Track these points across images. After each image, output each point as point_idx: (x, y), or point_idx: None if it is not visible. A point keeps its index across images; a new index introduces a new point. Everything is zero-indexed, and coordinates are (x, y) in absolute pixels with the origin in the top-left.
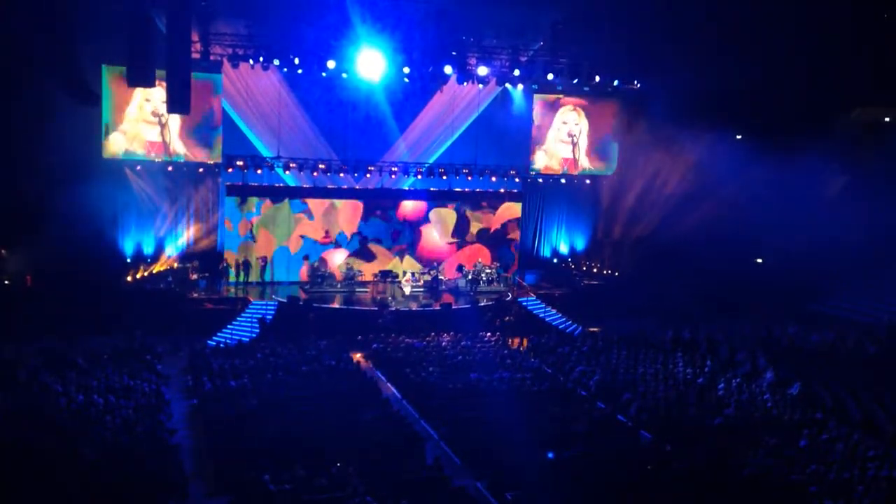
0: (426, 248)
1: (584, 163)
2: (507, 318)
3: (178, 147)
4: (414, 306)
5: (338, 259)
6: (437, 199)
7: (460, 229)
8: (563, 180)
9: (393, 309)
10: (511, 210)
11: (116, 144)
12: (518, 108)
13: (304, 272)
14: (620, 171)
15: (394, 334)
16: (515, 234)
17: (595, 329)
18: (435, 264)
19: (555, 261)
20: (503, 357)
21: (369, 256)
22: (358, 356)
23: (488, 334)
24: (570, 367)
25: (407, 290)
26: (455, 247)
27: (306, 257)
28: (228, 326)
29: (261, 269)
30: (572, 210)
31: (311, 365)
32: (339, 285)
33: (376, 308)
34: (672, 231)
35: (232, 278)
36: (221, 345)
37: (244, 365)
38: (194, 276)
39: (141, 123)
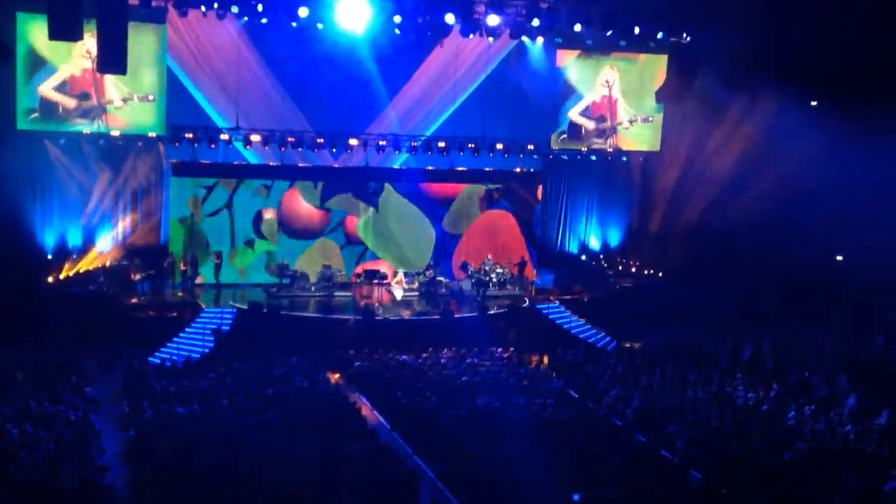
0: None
1: (621, 135)
2: (522, 328)
3: (113, 94)
4: (407, 314)
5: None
6: (435, 179)
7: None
8: (593, 157)
9: (381, 318)
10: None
11: (33, 98)
12: (537, 67)
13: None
14: (665, 147)
15: (353, 350)
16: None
17: (633, 343)
18: (433, 265)
19: (583, 258)
20: (518, 378)
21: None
22: (337, 377)
23: (499, 349)
24: (601, 389)
25: (398, 295)
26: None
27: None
28: (175, 339)
29: (215, 266)
30: (605, 194)
31: (277, 387)
32: (312, 288)
33: (360, 317)
34: (729, 221)
35: (178, 279)
36: (166, 362)
37: (194, 387)
38: (137, 277)
39: (76, 59)
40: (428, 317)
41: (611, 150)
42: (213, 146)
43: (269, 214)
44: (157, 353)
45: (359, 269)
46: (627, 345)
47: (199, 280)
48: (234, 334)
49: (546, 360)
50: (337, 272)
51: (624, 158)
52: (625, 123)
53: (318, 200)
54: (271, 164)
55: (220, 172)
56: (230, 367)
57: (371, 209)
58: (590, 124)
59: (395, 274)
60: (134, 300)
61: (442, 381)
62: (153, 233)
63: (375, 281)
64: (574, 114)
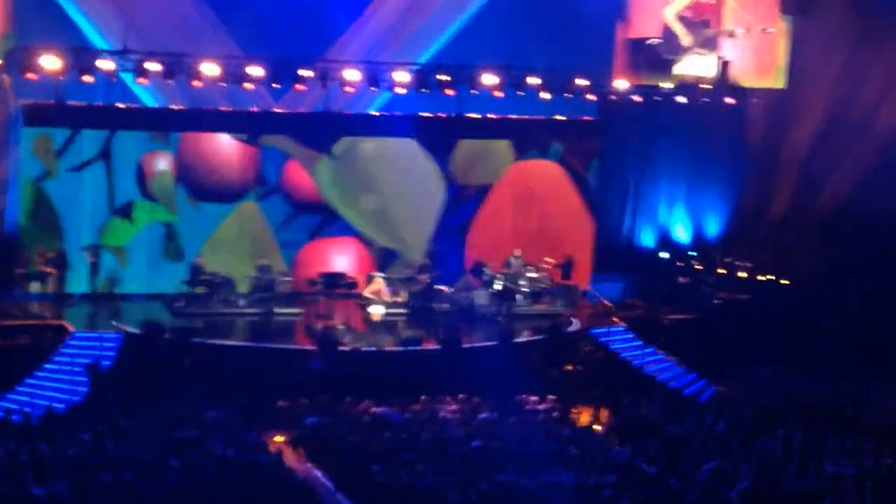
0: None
1: (728, 62)
2: (568, 366)
3: None
4: (389, 344)
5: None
6: (433, 132)
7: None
8: (681, 98)
9: (348, 348)
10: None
11: None
12: None
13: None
14: (795, 84)
15: (305, 400)
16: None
17: (740, 389)
18: (430, 265)
19: (662, 255)
20: (561, 443)
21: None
22: (279, 440)
23: (532, 398)
24: (690, 462)
25: (376, 313)
26: None
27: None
28: (28, 380)
29: (90, 266)
30: (699, 158)
31: (187, 455)
32: (242, 301)
33: (314, 347)
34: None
35: (34, 288)
36: (14, 415)
37: (59, 455)
38: None
39: None
40: (421, 347)
41: (710, 85)
42: (86, 79)
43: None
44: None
45: (306, 260)
46: (731, 392)
47: (59, 288)
48: (119, 373)
49: (605, 415)
50: (280, 277)
51: (730, 100)
52: (733, 37)
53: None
54: (176, 107)
55: (97, 120)
56: (114, 425)
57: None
58: (688, 34)
59: (369, 280)
60: None
61: (442, 447)
62: None
63: (340, 290)
64: (671, 13)
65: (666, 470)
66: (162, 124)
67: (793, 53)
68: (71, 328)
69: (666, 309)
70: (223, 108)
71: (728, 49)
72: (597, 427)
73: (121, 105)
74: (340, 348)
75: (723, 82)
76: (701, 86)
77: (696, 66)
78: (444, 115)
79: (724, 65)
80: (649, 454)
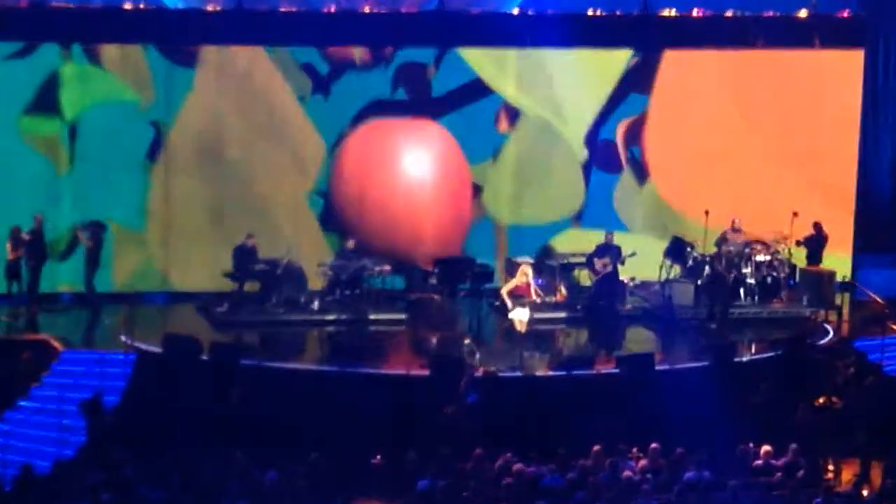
0: None
1: None
2: (820, 398)
3: None
4: (542, 366)
5: None
6: (602, 39)
7: None
8: None
9: (478, 374)
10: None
11: None
12: None
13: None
14: None
15: (415, 453)
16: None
17: None
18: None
19: None
20: None
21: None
22: None
23: (766, 449)
24: None
25: (520, 321)
26: None
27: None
28: None
29: (89, 252)
30: None
31: None
32: (314, 302)
33: (434, 374)
34: None
35: (5, 286)
36: None
37: None
38: None
39: None
40: (591, 372)
41: None
42: None
43: None
44: None
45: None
46: None
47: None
48: (131, 414)
49: (877, 473)
50: (373, 266)
51: None
52: None
53: None
54: (210, 8)
55: (93, 31)
56: (124, 492)
57: None
58: None
59: (513, 270)
60: None
61: None
62: None
63: (464, 288)
64: None
65: None
66: (194, 36)
67: None
68: (58, 346)
69: None
70: (285, 9)
71: None
72: (865, 492)
73: (128, 7)
74: (474, 374)
75: None
76: None
77: None
78: (620, 15)
79: None
80: None
